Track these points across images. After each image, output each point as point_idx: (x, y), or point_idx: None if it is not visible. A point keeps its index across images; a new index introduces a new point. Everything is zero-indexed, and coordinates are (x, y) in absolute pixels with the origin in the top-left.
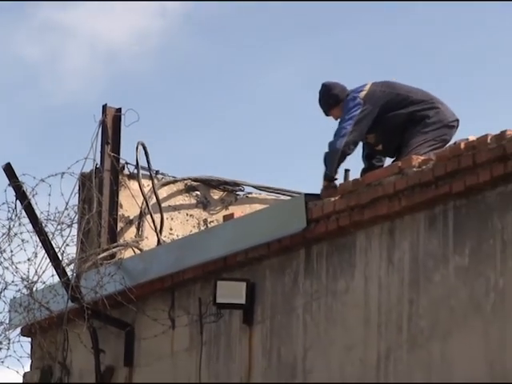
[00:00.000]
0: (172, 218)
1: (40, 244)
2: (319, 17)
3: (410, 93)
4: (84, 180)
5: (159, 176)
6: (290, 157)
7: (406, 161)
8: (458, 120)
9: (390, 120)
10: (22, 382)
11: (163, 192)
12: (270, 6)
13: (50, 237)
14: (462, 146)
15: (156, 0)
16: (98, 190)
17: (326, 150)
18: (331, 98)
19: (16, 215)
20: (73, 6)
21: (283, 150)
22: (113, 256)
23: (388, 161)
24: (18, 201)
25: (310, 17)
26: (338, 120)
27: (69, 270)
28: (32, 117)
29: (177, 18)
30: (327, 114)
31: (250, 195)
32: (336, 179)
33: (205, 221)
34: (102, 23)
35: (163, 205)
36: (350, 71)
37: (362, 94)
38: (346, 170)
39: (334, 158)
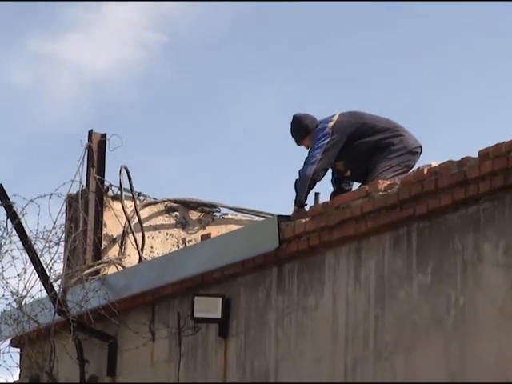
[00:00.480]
0: (153, 237)
1: (29, 260)
2: (292, 46)
3: (375, 122)
4: (71, 201)
5: (141, 197)
6: (263, 180)
7: (372, 185)
8: (420, 146)
9: (357, 147)
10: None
11: (145, 212)
12: (245, 36)
13: (39, 254)
14: (425, 171)
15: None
16: (84, 210)
17: (297, 177)
18: (302, 129)
19: (7, 233)
20: (61, 37)
21: (257, 174)
22: (97, 272)
23: (356, 185)
24: (8, 220)
25: (283, 46)
26: (309, 149)
27: (56, 285)
28: (21, 141)
29: (157, 49)
30: (299, 144)
31: (226, 216)
32: (306, 205)
33: (183, 240)
34: (87, 54)
35: (144, 224)
36: (323, 97)
37: (331, 124)
38: (316, 194)
39: (304, 184)
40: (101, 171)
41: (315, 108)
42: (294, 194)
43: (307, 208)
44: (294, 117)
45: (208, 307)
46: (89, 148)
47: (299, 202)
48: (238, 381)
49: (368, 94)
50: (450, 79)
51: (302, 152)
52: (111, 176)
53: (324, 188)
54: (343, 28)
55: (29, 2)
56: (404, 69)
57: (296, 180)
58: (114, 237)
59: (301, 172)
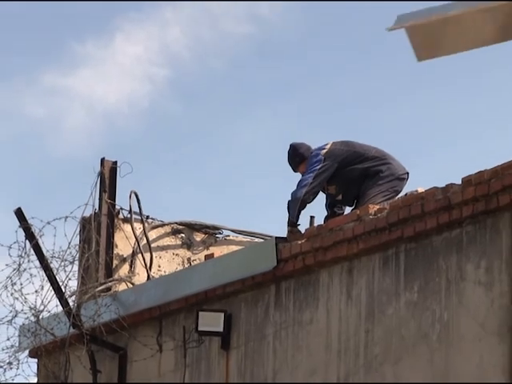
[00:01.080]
0: (160, 257)
1: (46, 278)
2: (286, 83)
3: (365, 150)
4: (84, 223)
5: (149, 220)
6: (262, 204)
7: (363, 209)
8: (407, 173)
9: (347, 173)
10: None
11: (153, 234)
12: (244, 73)
13: (55, 272)
14: (413, 196)
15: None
16: (97, 231)
17: (289, 198)
18: (298, 157)
19: (25, 253)
20: (74, 73)
21: (256, 199)
22: (109, 289)
23: (347, 209)
24: (27, 240)
25: (277, 83)
26: None
27: (71, 301)
28: (39, 169)
29: (163, 84)
30: (295, 171)
31: (227, 238)
32: (298, 225)
33: (188, 259)
34: (98, 88)
35: (152, 245)
36: (314, 131)
37: (323, 151)
38: (312, 217)
39: (295, 205)
40: (112, 196)
41: (305, 138)
42: (287, 216)
43: (302, 230)
44: (290, 145)
45: (211, 321)
46: (101, 174)
47: (291, 222)
48: None
49: (359, 124)
50: (435, 112)
51: (298, 178)
52: (122, 200)
53: (318, 212)
54: (333, 65)
55: (43, 39)
56: (393, 100)
57: (288, 201)
58: (125, 256)
59: (292, 194)
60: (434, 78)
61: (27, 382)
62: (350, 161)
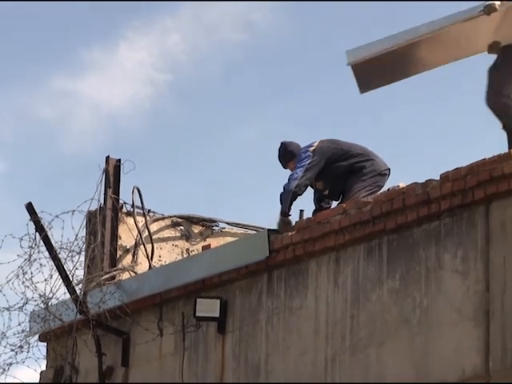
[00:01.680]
0: (161, 248)
1: (54, 268)
2: (277, 87)
3: (350, 147)
4: (90, 216)
5: (151, 214)
6: (255, 199)
7: (348, 203)
8: (389, 169)
9: (334, 170)
10: (39, 378)
11: (154, 226)
12: (238, 76)
13: (63, 262)
14: (394, 191)
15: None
16: (102, 224)
17: (282, 191)
18: (288, 154)
19: (35, 244)
20: (81, 77)
21: (250, 194)
22: (113, 278)
23: (334, 203)
24: (37, 233)
25: (269, 87)
26: None
27: (77, 289)
28: (48, 166)
29: (163, 87)
30: (285, 167)
31: (223, 230)
32: (290, 215)
33: (187, 250)
34: (104, 91)
35: (154, 237)
36: (304, 131)
37: (312, 148)
38: (301, 211)
39: (287, 197)
40: (116, 191)
41: (295, 137)
42: (279, 206)
43: (293, 222)
44: (281, 144)
45: (208, 308)
46: (106, 171)
47: (283, 212)
48: (233, 370)
49: (347, 130)
50: (419, 116)
51: (288, 174)
52: (125, 195)
53: (307, 206)
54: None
55: (54, 46)
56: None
57: (280, 193)
58: (128, 247)
59: (285, 186)
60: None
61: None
62: (336, 158)
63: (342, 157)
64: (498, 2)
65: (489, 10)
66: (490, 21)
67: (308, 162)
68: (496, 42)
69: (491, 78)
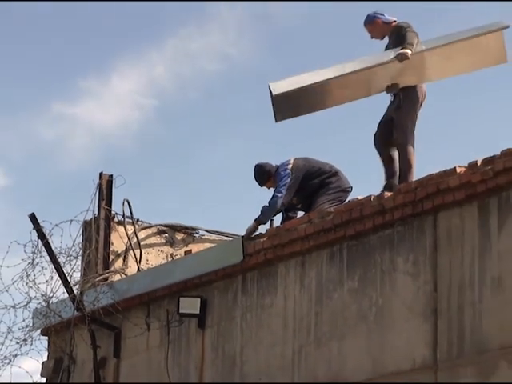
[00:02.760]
0: (148, 253)
1: (55, 270)
2: (251, 111)
3: (320, 165)
4: (86, 225)
5: (139, 222)
6: (231, 210)
7: (313, 213)
8: (351, 187)
9: (308, 187)
10: (41, 368)
11: (142, 234)
12: (216, 102)
13: (62, 265)
14: (353, 202)
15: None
16: (96, 232)
17: (267, 204)
18: (265, 174)
19: (38, 250)
20: (78, 102)
21: (226, 205)
22: (106, 279)
23: (300, 213)
24: (39, 240)
25: (244, 111)
26: (271, 188)
27: (75, 289)
28: (48, 182)
29: (150, 111)
30: (261, 185)
31: (203, 237)
32: (263, 224)
33: (171, 255)
34: (97, 115)
35: (142, 243)
36: (276, 151)
37: (289, 166)
38: (271, 220)
39: (271, 212)
40: (109, 203)
41: (266, 157)
42: (258, 213)
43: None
44: (256, 165)
45: (190, 305)
46: (99, 185)
47: (262, 223)
48: (212, 361)
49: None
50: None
51: (260, 189)
52: (116, 206)
53: (279, 215)
54: None
55: (53, 75)
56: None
57: (265, 206)
58: (119, 252)
59: (270, 202)
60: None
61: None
62: (309, 175)
63: (314, 174)
64: (410, 52)
65: (401, 58)
66: (395, 66)
67: (289, 179)
68: (395, 84)
69: (398, 117)
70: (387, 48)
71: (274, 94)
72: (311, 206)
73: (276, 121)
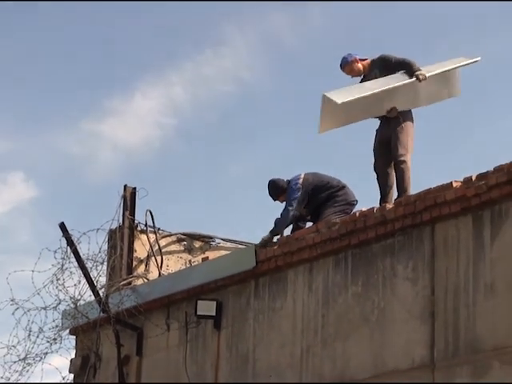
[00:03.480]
0: (168, 259)
1: (82, 275)
2: (263, 129)
3: (328, 180)
4: (111, 234)
5: (160, 231)
6: (245, 220)
7: (320, 223)
8: (356, 200)
9: (316, 200)
10: (69, 364)
11: (162, 242)
12: (231, 121)
13: (89, 270)
14: (357, 214)
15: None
16: (120, 240)
17: (279, 217)
18: (278, 189)
19: (67, 256)
20: (104, 121)
21: (241, 215)
22: (129, 283)
23: (308, 223)
24: (68, 247)
25: (256, 129)
26: (283, 202)
27: (101, 292)
28: (77, 192)
29: (169, 129)
30: (275, 200)
31: (219, 244)
32: (278, 235)
33: (190, 261)
34: (122, 132)
35: (162, 250)
36: (287, 166)
37: (300, 180)
38: None
39: (284, 223)
40: (132, 213)
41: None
42: (272, 226)
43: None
44: (270, 181)
45: (206, 308)
46: (124, 197)
47: (276, 234)
48: (227, 359)
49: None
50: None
51: (272, 203)
52: (139, 216)
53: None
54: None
55: (82, 96)
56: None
57: (278, 219)
58: (141, 259)
59: (283, 214)
60: None
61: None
62: (318, 189)
63: (322, 188)
64: (427, 74)
65: (422, 78)
66: (403, 89)
67: (299, 194)
68: (394, 108)
69: (400, 136)
70: (367, 79)
71: (339, 102)
72: (319, 216)
73: (320, 132)
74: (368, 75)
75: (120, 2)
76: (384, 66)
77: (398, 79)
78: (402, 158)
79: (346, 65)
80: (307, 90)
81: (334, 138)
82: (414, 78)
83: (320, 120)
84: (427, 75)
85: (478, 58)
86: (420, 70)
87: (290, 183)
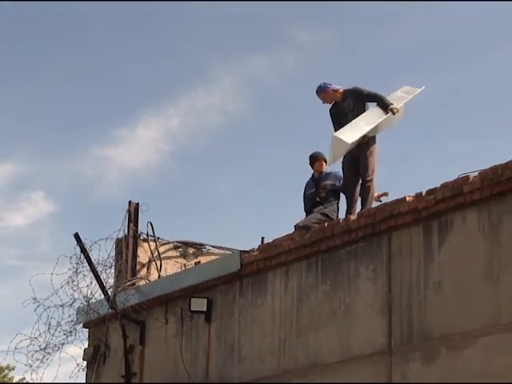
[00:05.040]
0: (166, 263)
1: (93, 277)
2: (248, 153)
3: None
4: (118, 242)
5: (159, 240)
6: (231, 229)
7: (295, 233)
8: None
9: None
10: (83, 353)
11: (161, 249)
12: (219, 146)
13: (99, 273)
14: (326, 224)
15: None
16: (126, 247)
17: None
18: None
19: (80, 261)
20: (112, 147)
21: (228, 226)
22: (134, 284)
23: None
24: (81, 253)
25: (242, 153)
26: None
27: (109, 292)
28: (88, 207)
29: (167, 154)
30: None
31: (209, 251)
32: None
33: (184, 265)
34: (127, 156)
35: (161, 256)
36: (268, 185)
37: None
38: (262, 238)
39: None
40: (136, 225)
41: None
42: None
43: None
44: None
45: (199, 304)
46: (128, 211)
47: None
48: (216, 348)
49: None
50: None
51: (250, 215)
52: (142, 227)
53: (268, 234)
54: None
55: (92, 125)
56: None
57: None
58: (144, 263)
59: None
60: None
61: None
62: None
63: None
64: (399, 106)
65: (395, 111)
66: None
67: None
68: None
69: (369, 159)
70: (339, 109)
71: (349, 142)
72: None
73: (332, 163)
74: (341, 103)
75: (128, 47)
76: (357, 97)
77: (378, 113)
78: (369, 178)
79: (322, 92)
80: (283, 121)
81: (301, 157)
82: (389, 113)
83: (331, 154)
84: (398, 107)
85: (423, 87)
86: (392, 103)
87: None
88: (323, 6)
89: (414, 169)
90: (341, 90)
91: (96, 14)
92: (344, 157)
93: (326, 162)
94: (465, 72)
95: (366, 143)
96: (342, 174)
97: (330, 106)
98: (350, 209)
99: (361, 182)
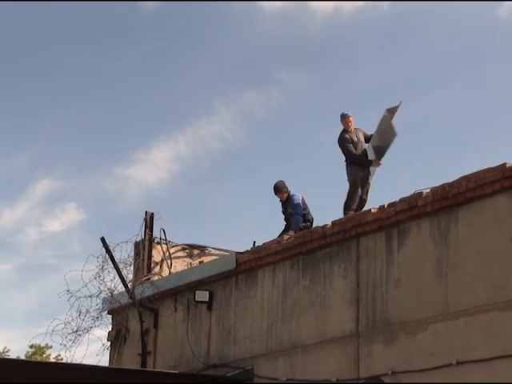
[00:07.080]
0: (175, 262)
1: (116, 273)
2: (244, 174)
3: (305, 205)
4: (136, 244)
5: (170, 243)
6: (228, 234)
7: (281, 238)
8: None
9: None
10: (107, 335)
11: (172, 250)
12: (219, 169)
13: (121, 270)
14: (305, 231)
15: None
16: (143, 249)
17: (295, 221)
18: (284, 188)
19: (105, 260)
20: (130, 167)
21: (226, 231)
22: (149, 279)
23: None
24: (106, 254)
25: (239, 175)
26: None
27: (129, 285)
28: (112, 217)
29: (176, 173)
30: (276, 194)
31: (211, 252)
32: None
33: (190, 263)
34: (143, 175)
35: (172, 256)
36: (254, 203)
37: (300, 198)
38: (254, 242)
39: (297, 225)
40: (151, 230)
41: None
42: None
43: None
44: (280, 181)
45: (202, 296)
46: (145, 219)
47: (295, 231)
48: (216, 332)
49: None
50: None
51: (245, 224)
52: (156, 232)
53: (261, 237)
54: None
55: (115, 149)
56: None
57: (294, 223)
58: (157, 262)
59: (296, 221)
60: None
61: None
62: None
63: (304, 211)
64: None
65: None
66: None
67: (302, 208)
68: (376, 161)
69: (370, 185)
70: (350, 134)
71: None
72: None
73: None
74: (352, 133)
75: (144, 85)
76: (363, 136)
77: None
78: (366, 199)
79: (345, 118)
80: (271, 147)
81: (298, 180)
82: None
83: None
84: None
85: (400, 102)
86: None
87: (293, 196)
88: (305, 52)
89: (378, 186)
90: (354, 125)
91: (120, 60)
92: (356, 175)
93: (286, 192)
94: (416, 107)
95: (369, 169)
96: (297, 200)
97: (342, 130)
98: (350, 204)
99: (359, 200)
